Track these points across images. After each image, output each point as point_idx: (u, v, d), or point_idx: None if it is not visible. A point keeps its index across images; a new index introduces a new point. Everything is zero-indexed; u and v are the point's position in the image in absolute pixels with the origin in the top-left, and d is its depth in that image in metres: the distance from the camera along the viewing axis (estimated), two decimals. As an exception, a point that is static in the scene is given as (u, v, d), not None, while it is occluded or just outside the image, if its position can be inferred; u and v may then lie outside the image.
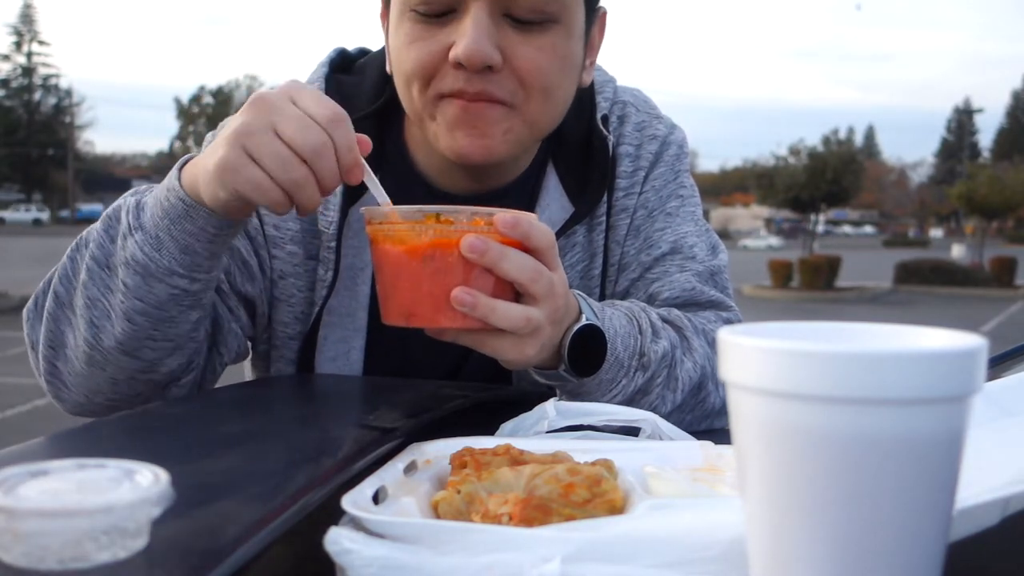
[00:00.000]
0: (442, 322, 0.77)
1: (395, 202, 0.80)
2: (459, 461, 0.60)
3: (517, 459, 0.60)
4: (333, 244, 1.02)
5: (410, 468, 0.62)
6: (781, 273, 18.53)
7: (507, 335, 0.78)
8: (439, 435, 0.67)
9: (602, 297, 1.09)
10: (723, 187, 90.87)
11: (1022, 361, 1.05)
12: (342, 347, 1.04)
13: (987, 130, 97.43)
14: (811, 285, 18.06)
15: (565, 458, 0.61)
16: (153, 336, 0.88)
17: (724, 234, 57.97)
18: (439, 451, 0.65)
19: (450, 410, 0.81)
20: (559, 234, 1.04)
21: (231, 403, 0.93)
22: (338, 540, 0.44)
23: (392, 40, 0.96)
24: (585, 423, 0.75)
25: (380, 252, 0.79)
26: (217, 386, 1.03)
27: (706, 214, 1.19)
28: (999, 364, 1.06)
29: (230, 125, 0.78)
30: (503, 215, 0.75)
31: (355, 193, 1.01)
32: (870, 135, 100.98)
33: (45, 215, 61.61)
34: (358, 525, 0.48)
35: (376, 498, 0.55)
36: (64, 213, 64.21)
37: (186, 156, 0.88)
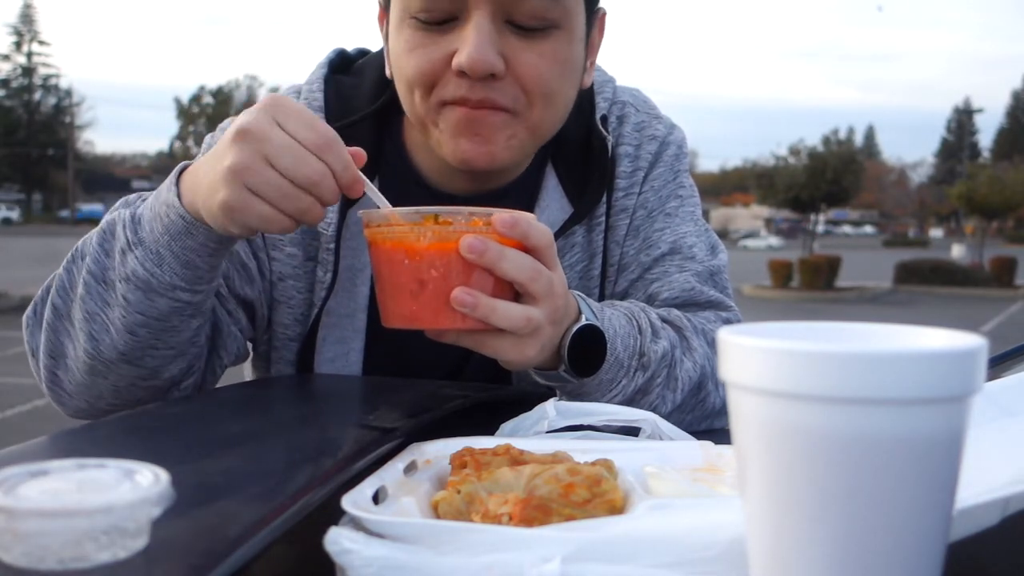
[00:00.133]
0: (443, 323, 0.76)
1: (394, 203, 0.80)
2: (459, 461, 0.60)
3: (517, 459, 0.60)
4: (332, 246, 1.02)
5: (410, 468, 0.62)
6: (781, 273, 18.53)
7: (507, 336, 0.78)
8: (439, 435, 0.67)
9: (601, 297, 1.09)
10: (723, 187, 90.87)
11: (1022, 361, 1.05)
12: (341, 348, 1.04)
13: (987, 130, 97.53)
14: (811, 285, 18.06)
15: (565, 458, 0.61)
16: (155, 345, 0.89)
17: (723, 234, 57.92)
18: (439, 451, 0.65)
19: (450, 410, 0.81)
20: (558, 234, 1.04)
21: (231, 403, 0.93)
22: (338, 540, 0.44)
23: (392, 46, 0.96)
24: (585, 423, 0.75)
25: (379, 255, 0.78)
26: (217, 386, 1.03)
27: (706, 214, 1.19)
28: (999, 364, 1.06)
29: (224, 161, 0.76)
30: (501, 215, 0.75)
31: None
32: (870, 135, 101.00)
33: (15, 214, 60.73)
34: (358, 525, 0.48)
35: (376, 498, 0.55)
36: (64, 213, 64.21)
37: (181, 165, 0.87)
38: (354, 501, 0.50)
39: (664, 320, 0.99)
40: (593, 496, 0.53)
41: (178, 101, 75.92)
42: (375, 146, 1.06)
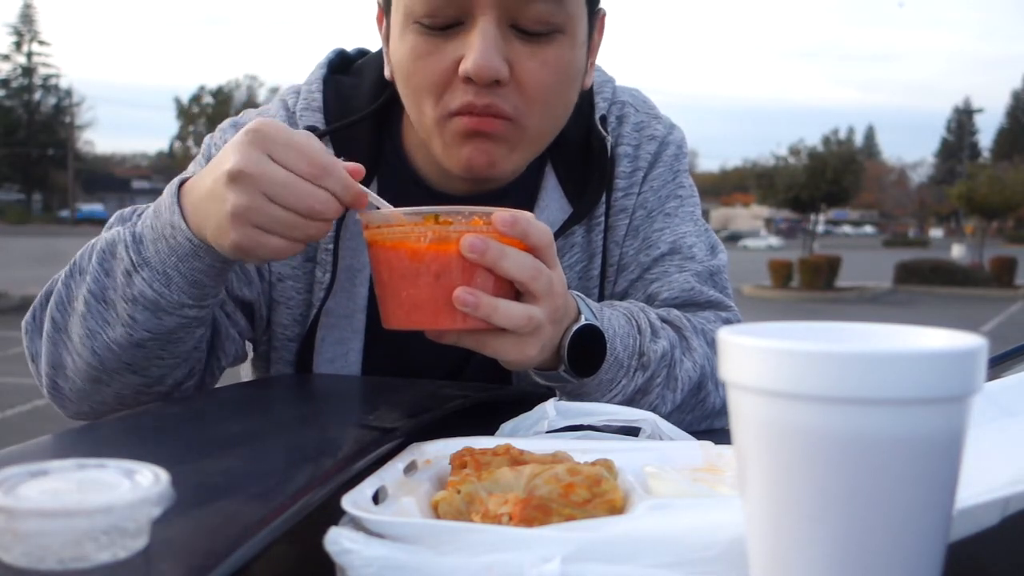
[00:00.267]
0: (444, 324, 0.76)
1: (394, 203, 0.80)
2: (459, 461, 0.60)
3: (517, 459, 0.60)
4: (331, 246, 1.02)
5: (410, 468, 0.62)
6: (781, 273, 18.53)
7: (508, 335, 0.78)
8: (439, 435, 0.67)
9: (601, 297, 1.09)
10: (723, 187, 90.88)
11: (1022, 361, 1.05)
12: (340, 349, 1.04)
13: (987, 130, 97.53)
14: (811, 285, 18.07)
15: (565, 458, 0.61)
16: (161, 356, 0.90)
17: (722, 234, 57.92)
18: (439, 451, 0.65)
19: (450, 410, 0.81)
20: (558, 234, 1.04)
21: (231, 403, 0.93)
22: (338, 540, 0.44)
23: (396, 50, 0.95)
24: (585, 423, 0.75)
25: (378, 256, 0.78)
26: (217, 386, 1.03)
27: (706, 214, 1.19)
28: (999, 364, 1.06)
29: (225, 205, 0.76)
30: (501, 214, 0.75)
31: None
32: (870, 135, 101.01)
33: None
34: (358, 525, 0.48)
35: (376, 498, 0.55)
36: (64, 213, 64.19)
37: (179, 181, 0.86)
38: (354, 501, 0.50)
39: (664, 320, 0.99)
40: (593, 496, 0.53)
41: (178, 101, 75.92)
42: (374, 146, 1.06)
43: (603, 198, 1.07)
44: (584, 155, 1.08)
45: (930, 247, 48.80)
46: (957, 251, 27.61)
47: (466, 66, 0.88)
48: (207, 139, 1.09)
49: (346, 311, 1.04)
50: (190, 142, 73.35)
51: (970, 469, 0.40)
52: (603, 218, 1.07)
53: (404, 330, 0.78)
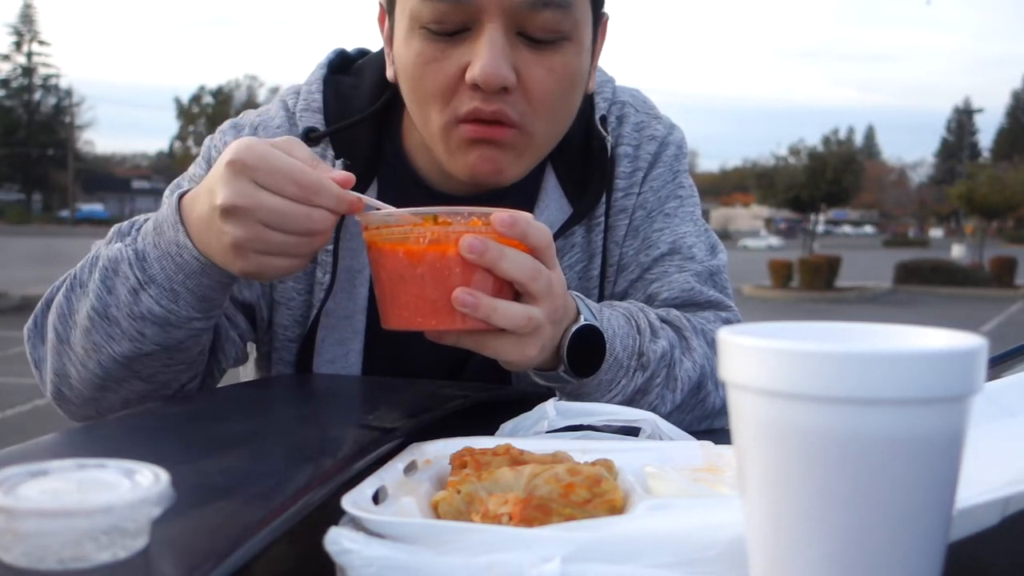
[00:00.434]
0: (443, 324, 0.76)
1: (394, 204, 0.80)
2: (459, 461, 0.60)
3: (517, 459, 0.60)
4: (331, 247, 1.02)
5: (410, 468, 0.62)
6: (781, 273, 18.53)
7: (508, 336, 0.78)
8: (439, 435, 0.67)
9: (601, 298, 1.09)
10: (723, 187, 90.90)
11: (1022, 361, 1.05)
12: (340, 350, 1.04)
13: (987, 130, 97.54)
14: (811, 285, 18.06)
15: (565, 458, 0.61)
16: (168, 364, 0.90)
17: (723, 235, 57.92)
18: (439, 451, 0.65)
19: (450, 410, 0.81)
20: (558, 235, 1.04)
21: (231, 403, 0.93)
22: (338, 540, 0.44)
23: (401, 54, 0.95)
24: (585, 423, 0.75)
25: (377, 257, 0.78)
26: (217, 386, 1.03)
27: (706, 214, 1.19)
28: (999, 364, 1.06)
29: (224, 239, 0.77)
30: (500, 214, 0.75)
31: None
32: (870, 135, 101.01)
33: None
34: (358, 525, 0.48)
35: (376, 498, 0.55)
36: (64, 213, 64.18)
37: (177, 196, 0.85)
38: (354, 501, 0.50)
39: (663, 320, 0.99)
40: (593, 496, 0.53)
41: (178, 101, 75.90)
42: (374, 147, 1.06)
43: (603, 198, 1.07)
44: (584, 155, 1.08)
45: (930, 247, 48.80)
46: (957, 251, 27.62)
47: (473, 73, 0.88)
48: (207, 141, 1.09)
49: (346, 312, 1.04)
50: (190, 142, 73.34)
51: (970, 469, 0.40)
52: (603, 218, 1.07)
53: (403, 331, 0.78)
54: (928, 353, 0.35)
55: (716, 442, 0.68)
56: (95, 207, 66.92)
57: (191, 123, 74.16)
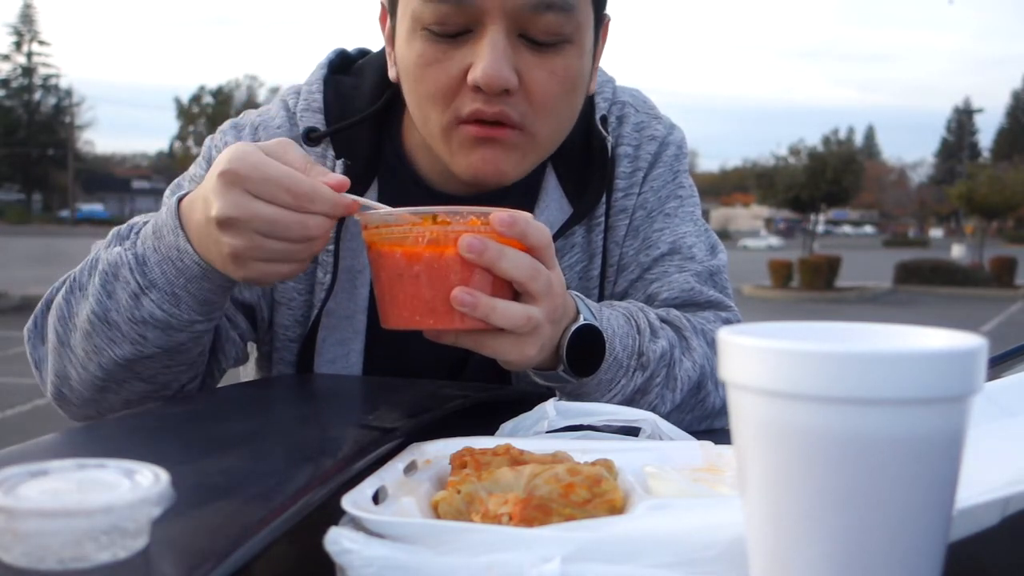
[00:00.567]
0: (442, 324, 0.76)
1: (394, 204, 0.80)
2: (459, 461, 0.60)
3: (517, 459, 0.60)
4: (332, 247, 1.02)
5: (410, 468, 0.62)
6: (781, 273, 18.53)
7: (507, 335, 0.78)
8: (439, 435, 0.67)
9: (601, 298, 1.09)
10: (723, 187, 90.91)
11: (1022, 361, 1.05)
12: (341, 350, 1.04)
13: (987, 130, 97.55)
14: (811, 285, 18.06)
15: (565, 458, 0.61)
16: (169, 365, 0.91)
17: (723, 235, 57.95)
18: (439, 451, 0.65)
19: (450, 410, 0.81)
20: (558, 235, 1.04)
21: (231, 403, 0.93)
22: (338, 540, 0.44)
23: (403, 55, 0.95)
24: (585, 423, 0.75)
25: (377, 256, 0.78)
26: (217, 386, 1.03)
27: (706, 214, 1.19)
28: (999, 364, 1.06)
29: (223, 249, 0.78)
30: (499, 214, 0.75)
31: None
32: (870, 135, 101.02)
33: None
34: (358, 525, 0.48)
35: (376, 498, 0.55)
36: (64, 213, 64.18)
37: (175, 200, 0.85)
38: (354, 501, 0.50)
39: (663, 320, 0.99)
40: (593, 496, 0.53)
41: (178, 101, 75.87)
42: (374, 147, 1.06)
43: (603, 198, 1.07)
44: (584, 155, 1.08)
45: (930, 247, 48.80)
46: (957, 251, 27.62)
47: (475, 75, 0.88)
48: (207, 141, 1.09)
49: (347, 312, 1.04)
50: (190, 142, 73.32)
51: (970, 469, 0.40)
52: (603, 218, 1.07)
53: (402, 330, 0.78)
54: (928, 353, 0.35)
55: (716, 442, 0.68)
56: (95, 207, 66.93)
57: (191, 123, 74.14)
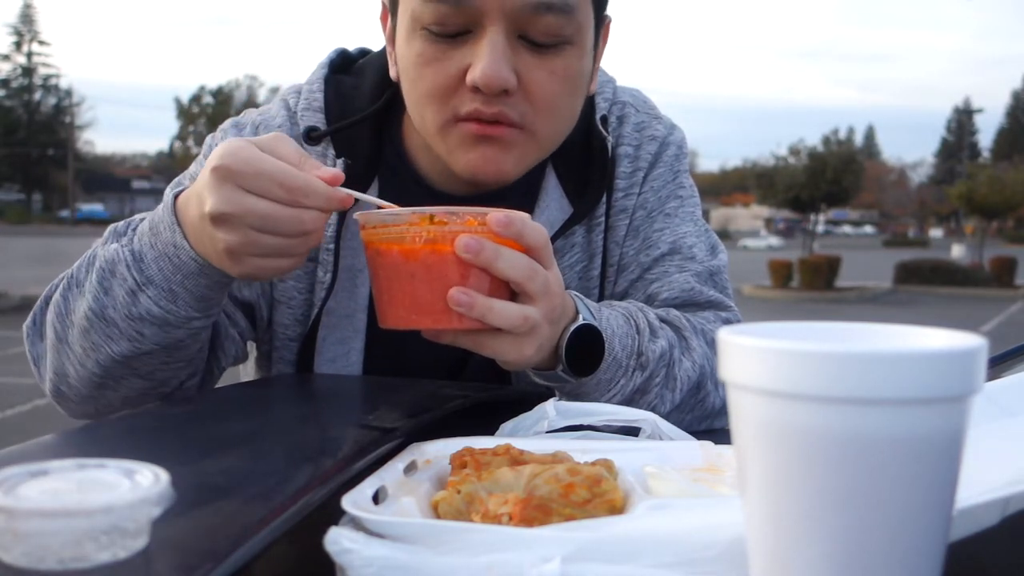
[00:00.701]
0: (440, 324, 0.76)
1: (394, 204, 0.80)
2: (459, 461, 0.60)
3: (517, 459, 0.60)
4: (332, 246, 1.02)
5: (410, 468, 0.62)
6: (781, 273, 18.53)
7: (505, 335, 0.78)
8: (439, 435, 0.67)
9: (601, 298, 1.09)
10: (723, 187, 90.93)
11: (1022, 361, 1.05)
12: (341, 349, 1.04)
13: (987, 130, 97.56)
14: (811, 285, 18.06)
15: (565, 458, 0.61)
16: (167, 362, 0.91)
17: (723, 235, 57.94)
18: (439, 451, 0.65)
19: (450, 410, 0.81)
20: (558, 235, 1.04)
21: (231, 403, 0.93)
22: (338, 540, 0.44)
23: (403, 54, 0.95)
24: (585, 423, 0.75)
25: (374, 256, 0.78)
26: (217, 386, 1.03)
27: (706, 214, 1.19)
28: (999, 364, 1.06)
29: (218, 245, 0.78)
30: (496, 214, 0.75)
31: None
32: (870, 135, 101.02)
33: None
34: (358, 525, 0.48)
35: (376, 498, 0.55)
36: (64, 213, 64.17)
37: (172, 196, 0.85)
38: (354, 501, 0.50)
39: (663, 320, 0.99)
40: (593, 496, 0.53)
41: (178, 101, 75.87)
42: (375, 146, 1.06)
43: (603, 198, 1.07)
44: (585, 155, 1.08)
45: (930, 247, 48.80)
46: (957, 251, 27.62)
47: (474, 75, 0.88)
48: (208, 139, 1.09)
49: (347, 311, 1.04)
50: (190, 142, 73.34)
51: (970, 469, 0.40)
52: (603, 218, 1.07)
53: (400, 329, 0.78)
54: (928, 353, 0.35)
55: (716, 442, 0.68)
56: (95, 207, 66.92)
57: (191, 123, 74.13)
